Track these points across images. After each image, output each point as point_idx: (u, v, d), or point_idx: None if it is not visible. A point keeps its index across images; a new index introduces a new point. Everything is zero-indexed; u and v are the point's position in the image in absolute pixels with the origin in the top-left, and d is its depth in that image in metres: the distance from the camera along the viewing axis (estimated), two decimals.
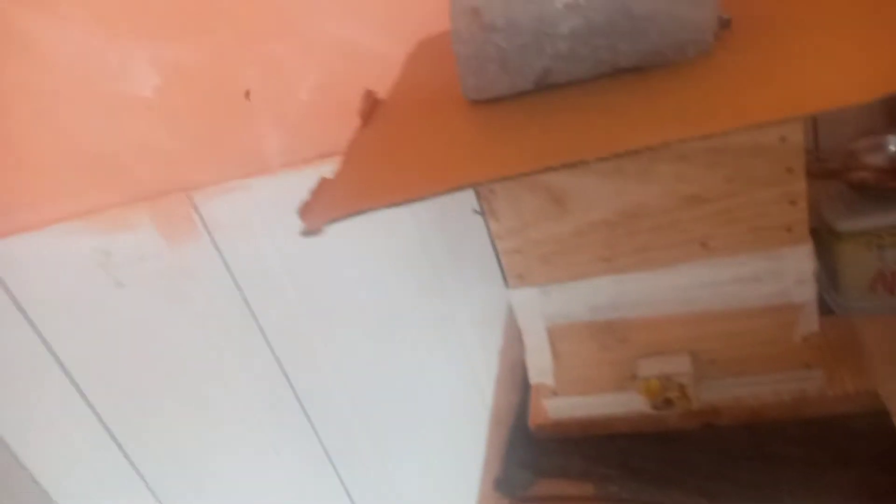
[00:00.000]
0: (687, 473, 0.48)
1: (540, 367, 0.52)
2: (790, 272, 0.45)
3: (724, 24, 0.45)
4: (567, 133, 0.41)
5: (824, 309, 0.57)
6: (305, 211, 0.44)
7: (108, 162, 0.91)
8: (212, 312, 0.97)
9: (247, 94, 0.81)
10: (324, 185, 0.46)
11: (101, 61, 0.85)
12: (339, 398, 1.01)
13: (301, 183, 0.45)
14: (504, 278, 0.50)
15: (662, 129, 0.38)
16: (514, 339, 0.66)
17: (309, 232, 0.41)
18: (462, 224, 0.82)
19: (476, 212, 0.72)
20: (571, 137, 0.40)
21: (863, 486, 0.43)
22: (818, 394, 0.49)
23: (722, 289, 0.46)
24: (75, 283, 1.00)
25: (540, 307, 0.50)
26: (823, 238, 0.57)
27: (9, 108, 0.89)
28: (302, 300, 0.93)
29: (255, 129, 0.86)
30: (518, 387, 0.61)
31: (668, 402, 0.48)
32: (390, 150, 0.50)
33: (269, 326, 0.97)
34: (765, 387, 0.49)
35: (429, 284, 0.88)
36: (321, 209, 0.43)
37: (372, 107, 0.55)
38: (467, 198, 0.64)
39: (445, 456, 0.65)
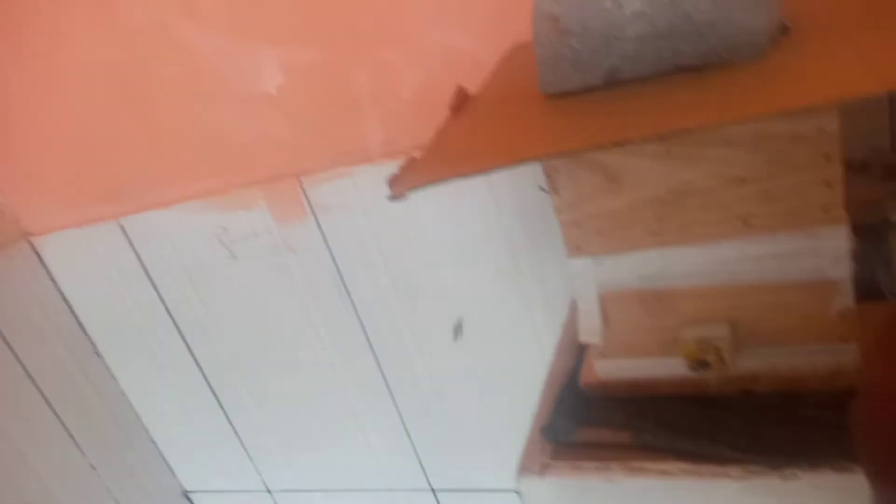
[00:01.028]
0: (720, 430, 0.53)
1: (591, 329, 0.58)
2: (826, 250, 0.49)
3: (784, 31, 0.50)
4: (623, 118, 0.47)
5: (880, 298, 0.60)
6: (394, 181, 0.52)
7: (232, 149, 1.04)
8: (311, 286, 1.08)
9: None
10: (411, 162, 0.54)
11: (234, 60, 0.98)
12: (418, 369, 1.09)
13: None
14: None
15: (705, 115, 0.44)
16: (576, 314, 0.72)
17: (394, 197, 0.50)
18: (537, 208, 0.88)
19: (542, 189, 0.79)
20: (626, 122, 0.47)
21: None
22: (853, 367, 0.52)
23: (762, 263, 0.51)
24: (196, 254, 1.14)
25: (594, 275, 0.56)
26: (883, 230, 0.60)
27: (154, 100, 1.04)
28: (392, 279, 1.03)
29: (362, 124, 0.97)
30: (574, 354, 0.67)
31: (705, 365, 0.53)
32: (471, 135, 0.58)
33: (361, 302, 1.06)
34: (801, 357, 0.53)
35: (505, 266, 0.95)
36: (407, 180, 0.51)
37: (462, 100, 0.63)
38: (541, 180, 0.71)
39: (509, 423, 0.70)
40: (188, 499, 1.44)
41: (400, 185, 0.50)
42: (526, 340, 0.99)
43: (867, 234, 0.63)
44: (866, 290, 0.59)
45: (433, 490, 1.22)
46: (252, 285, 1.13)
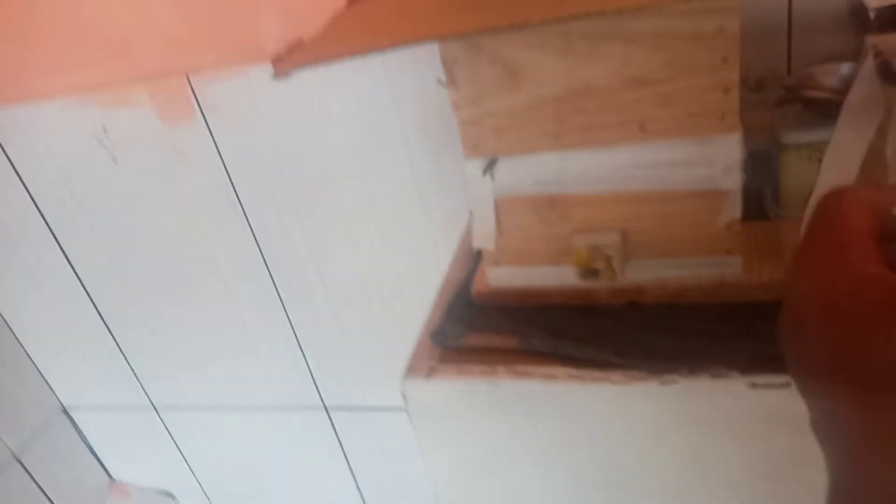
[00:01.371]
0: (605, 338, 0.53)
1: (484, 235, 0.56)
2: (719, 159, 0.49)
3: None
4: (524, 5, 0.44)
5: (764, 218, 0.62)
6: (279, 60, 0.47)
7: (114, 39, 0.94)
8: (199, 193, 1.01)
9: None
10: (300, 43, 0.49)
11: None
12: (312, 282, 1.06)
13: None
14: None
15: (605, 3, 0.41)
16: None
17: (279, 74, 0.45)
18: (439, 112, 0.85)
19: (440, 83, 0.76)
20: (527, 7, 0.44)
21: (755, 356, 0.48)
22: (736, 280, 0.53)
23: (655, 171, 0.50)
24: (73, 156, 1.04)
25: (489, 177, 0.54)
26: (773, 153, 0.61)
27: None
28: (286, 188, 0.97)
29: (258, 18, 0.89)
30: (469, 263, 0.66)
31: (595, 273, 0.53)
32: (366, 19, 0.54)
33: (253, 212, 1.01)
34: (687, 269, 0.54)
35: (405, 177, 0.91)
36: (294, 59, 0.47)
37: None
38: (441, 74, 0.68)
39: (405, 340, 0.70)
40: (67, 414, 1.37)
41: (285, 64, 0.46)
42: (425, 252, 0.97)
43: (757, 159, 0.64)
44: (753, 212, 0.60)
45: (326, 408, 1.21)
46: (136, 191, 1.04)
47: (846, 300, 0.22)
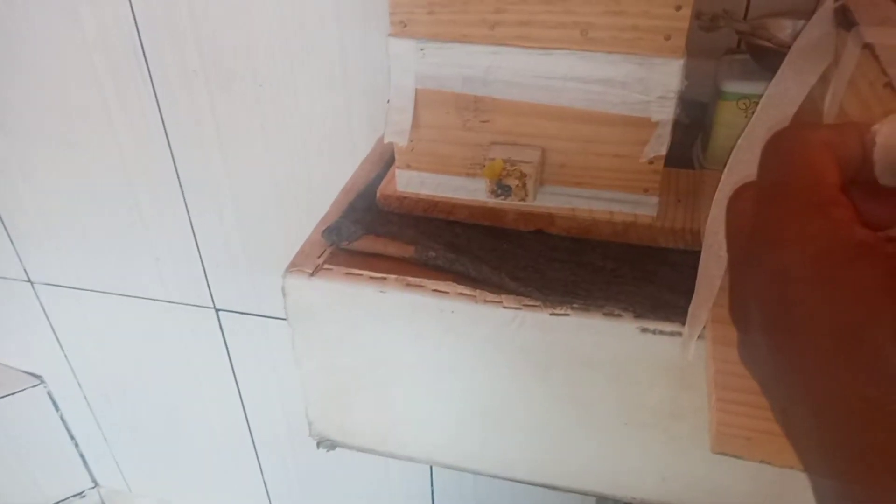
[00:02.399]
0: (505, 261, 0.49)
1: (398, 128, 0.51)
2: (657, 84, 0.45)
3: None
4: None
5: (688, 165, 0.60)
6: None
7: None
8: (103, 43, 0.90)
9: None
10: None
11: None
12: (216, 170, 0.98)
13: None
14: None
15: None
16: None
17: None
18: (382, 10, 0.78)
19: None
20: None
21: (652, 301, 0.46)
22: (648, 223, 0.51)
23: (589, 87, 0.46)
24: None
25: (415, 63, 0.49)
26: (711, 102, 0.58)
27: None
28: (201, 57, 0.88)
29: None
30: (380, 165, 0.61)
31: (507, 190, 0.49)
32: None
33: (161, 78, 0.91)
34: (602, 203, 0.51)
35: (335, 70, 0.84)
36: None
37: None
38: None
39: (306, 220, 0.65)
40: None
41: None
42: (343, 157, 0.91)
43: (694, 108, 0.62)
44: (678, 161, 0.58)
45: (216, 309, 1.15)
46: (28, 29, 0.92)
47: (843, 273, 0.20)
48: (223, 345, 1.20)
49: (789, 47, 0.56)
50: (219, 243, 1.07)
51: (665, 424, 0.48)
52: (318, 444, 0.60)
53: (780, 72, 0.40)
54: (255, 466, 1.39)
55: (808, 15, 0.59)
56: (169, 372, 1.28)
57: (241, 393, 1.26)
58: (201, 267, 1.10)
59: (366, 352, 0.53)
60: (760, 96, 0.55)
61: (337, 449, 0.61)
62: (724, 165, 0.41)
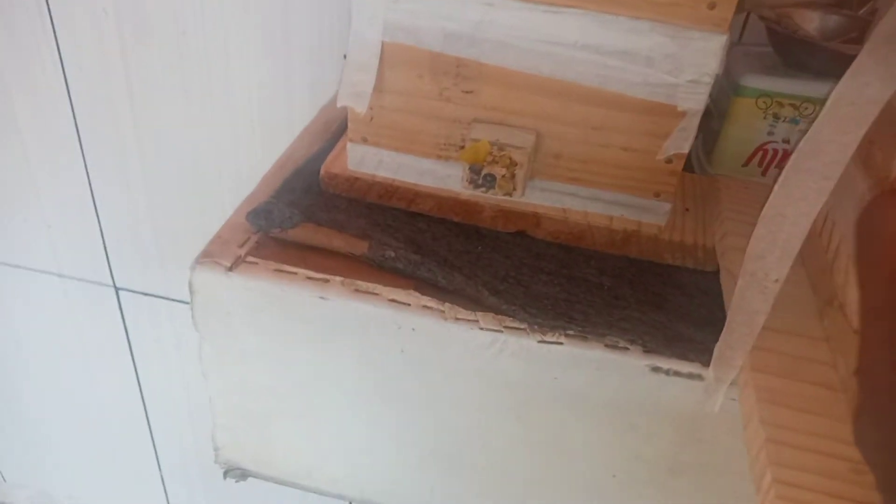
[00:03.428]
0: (481, 268, 0.39)
1: (356, 89, 0.40)
2: (690, 64, 0.36)
3: None
4: None
5: (688, 169, 0.51)
6: None
7: None
8: None
9: None
10: None
11: None
12: (123, 122, 0.84)
13: None
14: None
15: None
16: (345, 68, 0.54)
17: None
18: None
19: None
20: None
21: (663, 333, 0.37)
22: (653, 234, 0.42)
23: (604, 59, 0.37)
24: None
25: (383, 8, 0.38)
26: (722, 97, 0.50)
27: None
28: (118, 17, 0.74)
29: None
30: (325, 138, 0.50)
31: (489, 181, 0.39)
32: None
33: (62, 16, 0.76)
34: (601, 205, 0.41)
35: (276, 19, 0.72)
36: None
37: None
38: None
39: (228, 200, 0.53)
40: None
41: None
42: (279, 125, 0.78)
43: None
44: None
45: (116, 287, 1.00)
46: None
47: None
48: (122, 329, 1.05)
49: (815, 42, 0.49)
50: (122, 215, 0.92)
51: (661, 480, 0.40)
52: (226, 474, 0.49)
53: (856, 63, 0.32)
54: (154, 467, 1.25)
55: (835, 8, 0.52)
56: (57, 353, 1.12)
57: (141, 384, 1.12)
58: (101, 239, 0.95)
59: (296, 371, 0.42)
60: (781, 95, 0.48)
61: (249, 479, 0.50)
62: (770, 174, 0.32)
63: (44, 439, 1.29)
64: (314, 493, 0.48)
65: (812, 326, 0.35)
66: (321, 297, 0.37)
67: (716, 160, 0.50)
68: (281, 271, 0.38)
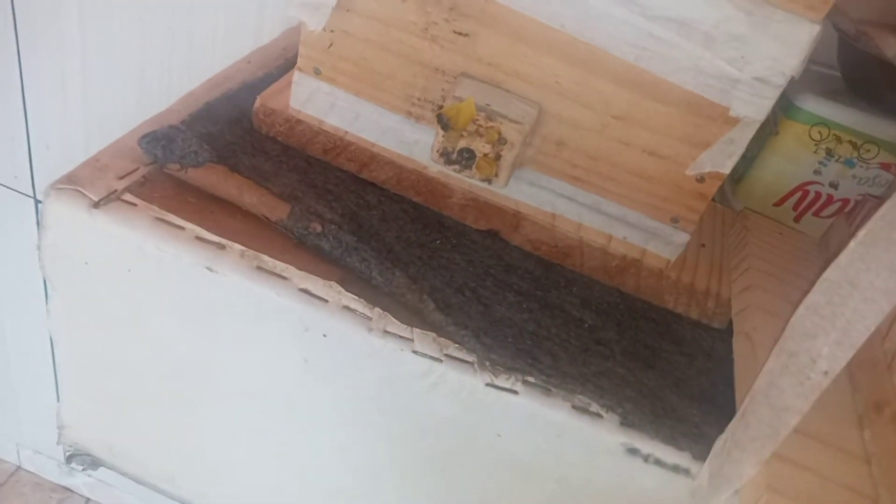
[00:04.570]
0: (433, 269, 0.30)
1: (315, 2, 0.30)
2: (763, 53, 0.27)
3: None
4: None
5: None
6: None
7: None
8: None
9: None
10: None
11: None
12: (68, 39, 0.72)
13: None
14: None
15: None
16: None
17: None
18: None
19: None
20: None
21: (651, 399, 0.28)
22: (658, 268, 0.33)
23: (649, 25, 0.27)
24: None
25: None
26: (769, 119, 0.40)
27: None
28: None
29: None
30: (275, 66, 0.39)
31: (467, 157, 0.29)
32: None
33: None
34: (602, 219, 0.32)
35: None
36: None
37: None
38: None
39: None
40: None
41: None
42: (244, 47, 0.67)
43: None
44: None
45: (36, 199, 0.88)
46: None
47: None
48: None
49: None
50: (54, 120, 0.80)
51: None
52: (69, 458, 0.39)
53: None
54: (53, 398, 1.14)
55: None
56: None
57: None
58: (26, 143, 0.84)
59: (166, 351, 0.32)
60: (843, 128, 0.39)
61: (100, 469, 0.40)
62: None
63: None
64: (177, 502, 0.39)
65: (849, 437, 0.26)
66: (208, 269, 0.27)
67: (743, 191, 0.41)
68: (162, 221, 0.28)
